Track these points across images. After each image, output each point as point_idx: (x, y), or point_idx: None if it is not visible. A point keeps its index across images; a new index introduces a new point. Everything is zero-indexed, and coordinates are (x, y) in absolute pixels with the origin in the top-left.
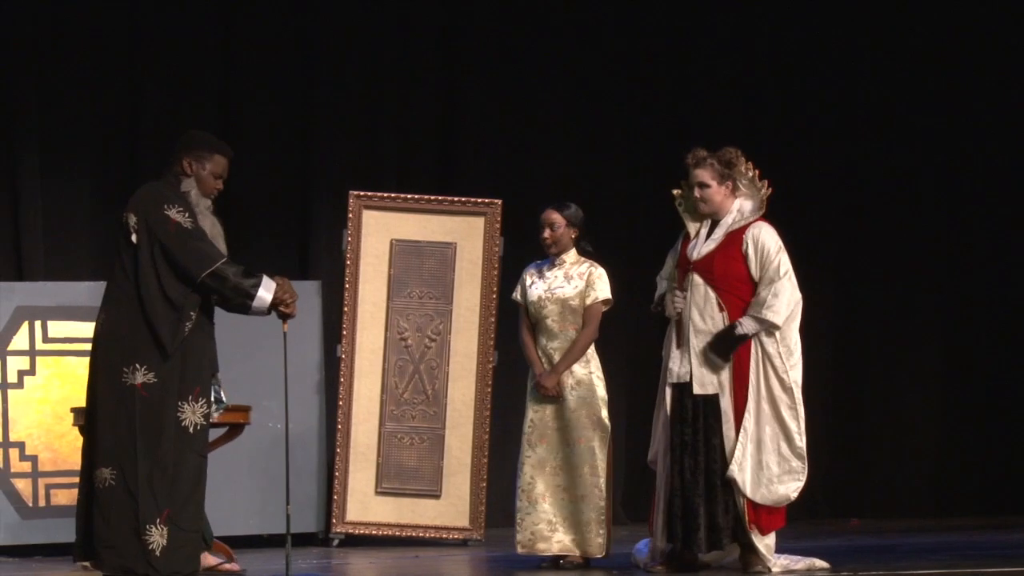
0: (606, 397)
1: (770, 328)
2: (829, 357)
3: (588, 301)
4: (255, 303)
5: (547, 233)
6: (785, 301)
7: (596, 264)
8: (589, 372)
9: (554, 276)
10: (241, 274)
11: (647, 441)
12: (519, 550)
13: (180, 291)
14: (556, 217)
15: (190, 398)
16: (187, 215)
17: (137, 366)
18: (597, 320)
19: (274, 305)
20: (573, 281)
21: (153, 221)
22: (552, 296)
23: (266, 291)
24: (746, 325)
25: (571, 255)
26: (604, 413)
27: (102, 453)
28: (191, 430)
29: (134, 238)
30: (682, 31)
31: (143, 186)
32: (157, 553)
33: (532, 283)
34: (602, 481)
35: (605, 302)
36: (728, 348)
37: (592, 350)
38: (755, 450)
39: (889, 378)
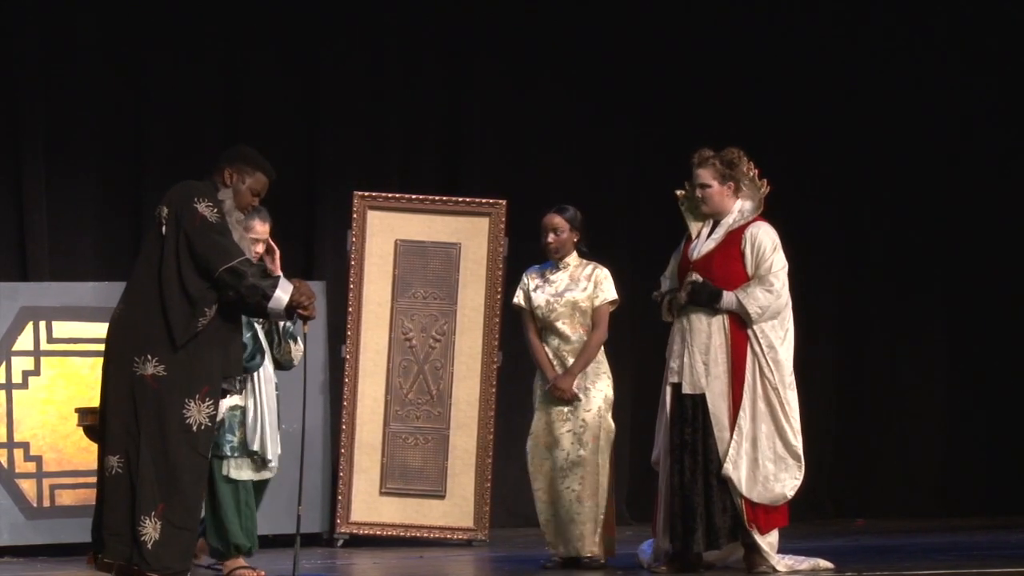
0: (612, 398)
1: (745, 316)
2: (833, 357)
3: (596, 303)
4: (271, 303)
5: (551, 238)
6: (769, 300)
7: (600, 265)
8: (598, 373)
9: (559, 279)
10: (259, 274)
11: (652, 442)
12: (549, 551)
13: (198, 285)
14: (559, 221)
15: (197, 397)
16: (215, 211)
17: (149, 357)
18: (606, 321)
19: (292, 307)
20: (581, 283)
21: (182, 213)
22: (562, 299)
23: (283, 292)
24: (727, 299)
25: (573, 257)
26: (609, 414)
27: (111, 441)
28: (194, 428)
29: (163, 229)
30: (685, 31)
31: (180, 182)
32: (149, 546)
33: (536, 287)
34: (605, 481)
35: (612, 302)
36: (700, 296)
37: (600, 351)
38: (750, 448)
39: (893, 378)
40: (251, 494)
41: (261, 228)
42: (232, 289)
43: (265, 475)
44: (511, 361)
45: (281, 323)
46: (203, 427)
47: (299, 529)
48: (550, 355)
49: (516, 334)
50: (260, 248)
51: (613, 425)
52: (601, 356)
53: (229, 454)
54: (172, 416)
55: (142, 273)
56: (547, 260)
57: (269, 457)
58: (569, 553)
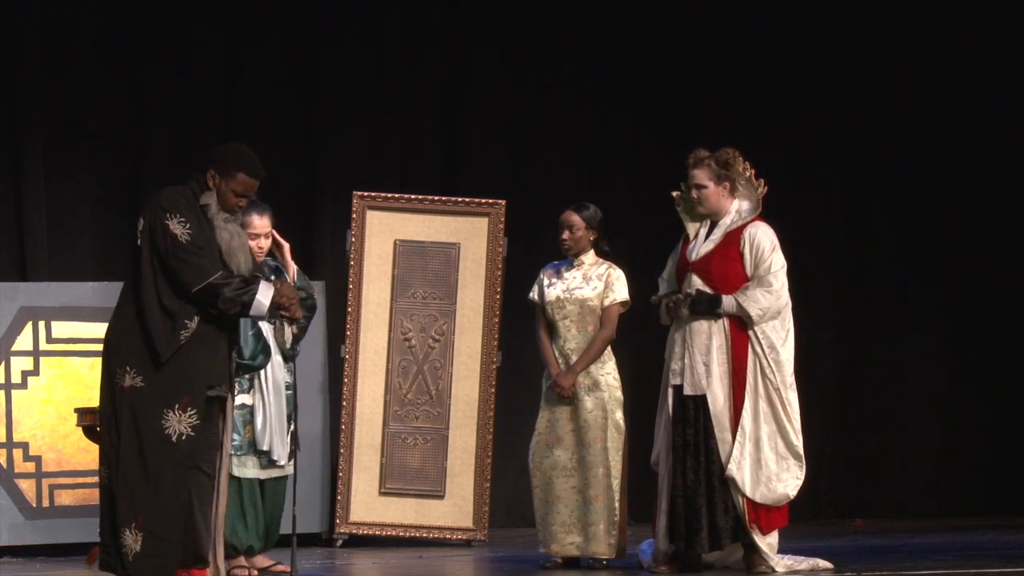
0: (621, 398)
1: (746, 319)
2: (833, 357)
3: (606, 302)
4: (252, 311)
5: (566, 235)
6: (770, 301)
7: (614, 265)
8: (605, 373)
9: (572, 277)
10: (238, 285)
11: (651, 442)
12: (541, 549)
13: (175, 300)
14: (575, 219)
15: (177, 407)
16: (187, 226)
17: (128, 368)
18: (614, 321)
19: (275, 309)
20: (592, 282)
21: (155, 230)
22: (571, 297)
23: (263, 297)
24: (726, 303)
25: (589, 256)
26: (619, 414)
27: (101, 452)
28: (174, 439)
29: (139, 241)
30: (686, 31)
31: (163, 189)
32: (129, 558)
33: (550, 284)
34: (616, 482)
35: (623, 303)
36: (700, 306)
37: (608, 351)
38: (753, 449)
39: (892, 378)
40: (257, 493)
41: (259, 223)
42: (210, 306)
43: (274, 473)
44: (510, 361)
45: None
46: (184, 437)
47: (295, 529)
48: (556, 353)
49: (515, 334)
50: (263, 243)
51: (623, 426)
52: (608, 356)
53: (233, 452)
54: (150, 427)
55: (127, 285)
56: (565, 257)
57: (275, 457)
58: (564, 552)
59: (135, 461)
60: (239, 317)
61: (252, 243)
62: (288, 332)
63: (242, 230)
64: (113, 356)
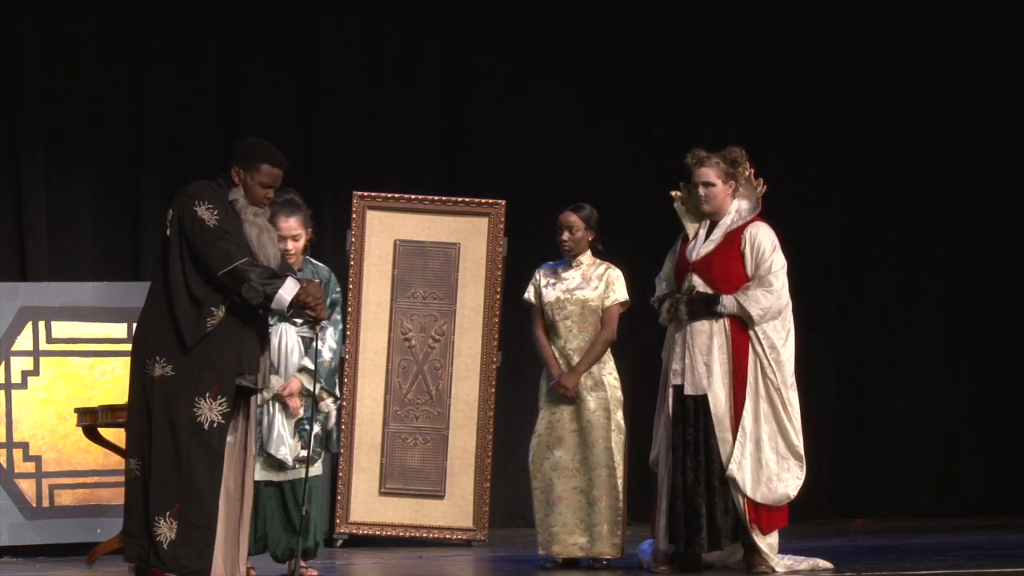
0: (621, 398)
1: (747, 319)
2: (833, 357)
3: (607, 302)
4: (273, 304)
5: (566, 236)
6: (771, 301)
7: (612, 265)
8: (607, 373)
9: (572, 277)
10: (264, 275)
11: (650, 442)
12: (541, 551)
13: (203, 287)
14: (575, 220)
15: (208, 395)
16: (215, 212)
17: (158, 358)
18: (615, 321)
19: (298, 307)
20: (592, 282)
21: (183, 217)
22: (572, 297)
23: (286, 292)
24: (727, 303)
25: (587, 256)
26: (620, 414)
27: (129, 444)
28: (206, 427)
29: (168, 232)
30: (685, 30)
31: (191, 182)
32: (164, 546)
33: (547, 284)
34: (620, 482)
35: (623, 303)
36: (700, 308)
37: (608, 352)
38: (754, 449)
39: (892, 378)
40: (259, 496)
41: (286, 225)
42: (233, 292)
43: (292, 475)
44: (510, 361)
45: (318, 377)
46: (216, 424)
47: (301, 530)
48: (556, 354)
49: (515, 334)
50: (289, 246)
51: (623, 425)
52: (608, 356)
53: None
54: (182, 415)
55: (155, 277)
56: (561, 257)
57: (281, 457)
58: (567, 553)
59: (169, 450)
60: (261, 308)
61: (280, 245)
62: (323, 404)
63: (271, 226)
64: (143, 348)
